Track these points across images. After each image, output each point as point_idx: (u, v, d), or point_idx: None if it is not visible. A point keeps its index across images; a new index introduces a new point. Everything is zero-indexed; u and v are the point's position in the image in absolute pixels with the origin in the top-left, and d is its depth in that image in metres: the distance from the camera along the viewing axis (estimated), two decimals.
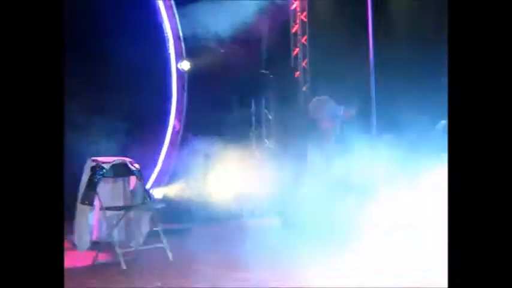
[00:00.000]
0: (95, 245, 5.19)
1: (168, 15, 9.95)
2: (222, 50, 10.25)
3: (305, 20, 12.04)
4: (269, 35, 11.05)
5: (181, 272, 4.94)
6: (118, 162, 5.40)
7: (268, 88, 11.00)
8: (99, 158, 5.30)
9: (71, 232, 5.30)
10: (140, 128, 8.96)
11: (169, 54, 10.03)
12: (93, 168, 5.21)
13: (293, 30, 12.03)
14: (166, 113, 9.92)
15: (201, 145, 8.73)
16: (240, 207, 9.06)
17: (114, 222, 5.28)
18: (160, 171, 9.67)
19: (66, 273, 2.96)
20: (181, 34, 10.03)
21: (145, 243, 5.44)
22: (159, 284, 4.51)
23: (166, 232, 5.56)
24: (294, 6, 12.02)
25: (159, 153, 9.77)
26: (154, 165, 9.64)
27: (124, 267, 4.81)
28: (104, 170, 5.22)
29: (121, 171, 5.47)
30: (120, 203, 5.50)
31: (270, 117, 11.20)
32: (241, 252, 6.09)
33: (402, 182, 7.58)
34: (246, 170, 8.79)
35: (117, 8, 8.66)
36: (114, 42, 8.34)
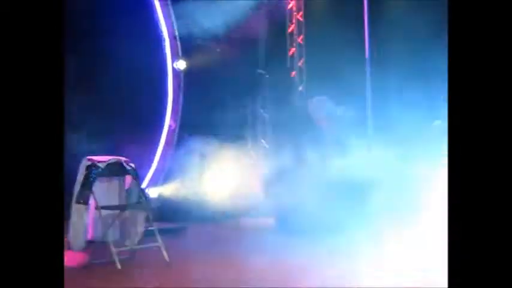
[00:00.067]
0: (90, 245, 5.18)
1: (164, 15, 9.94)
2: (218, 50, 10.24)
3: (301, 19, 12.04)
4: (265, 35, 11.04)
5: (177, 271, 4.93)
6: (113, 161, 5.38)
7: (264, 88, 11.00)
8: (95, 157, 5.28)
9: (66, 232, 5.28)
10: (136, 127, 8.94)
11: (165, 53, 10.01)
12: (88, 168, 5.19)
13: (289, 30, 12.03)
14: (162, 113, 9.90)
15: (196, 144, 8.72)
16: (236, 206, 9.05)
17: (110, 221, 5.27)
18: (156, 170, 9.65)
19: None
20: (177, 33, 10.02)
21: (140, 242, 5.43)
22: (157, 284, 4.50)
23: (162, 231, 5.55)
24: (290, 5, 12.02)
25: (154, 153, 9.75)
26: (150, 165, 9.62)
27: (119, 266, 4.80)
28: (99, 169, 5.21)
29: (116, 171, 5.46)
30: (116, 202, 5.48)
31: (265, 116, 11.19)
32: (237, 252, 6.09)
33: (399, 182, 7.60)
34: (242, 170, 8.78)
35: (113, 7, 8.64)
36: (109, 42, 8.32)
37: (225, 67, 10.10)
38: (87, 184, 5.12)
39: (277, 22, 11.60)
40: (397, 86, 9.72)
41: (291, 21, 12.02)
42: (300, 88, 11.97)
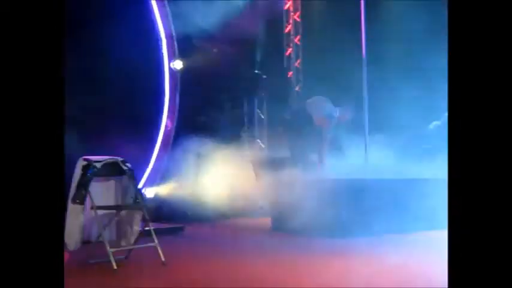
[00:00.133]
0: (86, 245, 5.17)
1: (161, 15, 9.94)
2: (214, 50, 10.25)
3: (298, 20, 12.06)
4: (262, 35, 11.05)
5: (173, 271, 4.93)
6: (110, 161, 5.37)
7: (261, 88, 11.01)
8: (91, 157, 5.28)
9: None
10: (132, 127, 8.93)
11: (162, 53, 10.01)
12: (84, 167, 5.18)
13: (286, 30, 12.04)
14: (159, 112, 9.90)
15: (193, 145, 8.72)
16: (232, 207, 9.06)
17: (106, 221, 5.26)
18: (153, 170, 9.65)
19: None
20: (174, 33, 10.02)
21: (136, 242, 5.43)
22: (153, 284, 4.50)
23: (158, 231, 5.54)
24: (287, 6, 12.04)
25: (151, 153, 9.75)
26: (147, 165, 9.62)
27: (115, 266, 4.79)
28: (96, 169, 5.19)
29: (113, 171, 5.45)
30: (112, 202, 5.47)
31: (262, 117, 11.20)
32: (234, 252, 6.10)
33: (396, 181, 7.61)
34: (238, 170, 8.78)
35: (110, 7, 8.64)
36: (106, 41, 8.32)
37: (222, 67, 10.10)
38: (84, 184, 5.11)
39: (274, 22, 11.61)
40: (394, 86, 9.74)
41: (287, 21, 12.04)
42: (297, 88, 11.98)
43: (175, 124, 9.96)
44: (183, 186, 8.81)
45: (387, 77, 9.84)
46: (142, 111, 9.47)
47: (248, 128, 11.05)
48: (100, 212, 5.16)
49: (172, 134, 9.92)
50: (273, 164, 8.24)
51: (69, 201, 5.03)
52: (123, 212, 5.44)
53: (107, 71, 8.49)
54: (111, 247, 4.94)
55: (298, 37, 12.09)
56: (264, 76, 10.91)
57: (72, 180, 5.15)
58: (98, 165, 5.22)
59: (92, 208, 5.10)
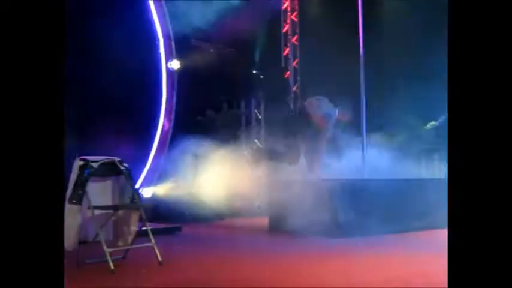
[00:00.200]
0: (83, 245, 5.16)
1: (158, 15, 9.93)
2: (212, 50, 10.24)
3: (296, 20, 12.06)
4: (259, 35, 11.04)
5: (170, 271, 4.92)
6: (107, 161, 5.36)
7: (258, 88, 11.01)
8: (88, 157, 5.26)
9: None
10: (130, 127, 8.93)
11: (159, 53, 10.00)
12: (81, 167, 5.17)
13: (283, 30, 12.04)
14: (156, 112, 9.89)
15: (190, 145, 8.71)
16: (229, 207, 9.05)
17: (103, 221, 5.25)
18: (150, 170, 9.65)
19: None
20: (171, 33, 10.01)
21: (134, 242, 5.42)
22: (150, 284, 4.49)
23: (155, 231, 5.53)
24: (284, 6, 12.04)
25: (148, 153, 9.74)
26: (144, 165, 9.62)
27: (112, 267, 4.78)
28: (93, 169, 5.18)
29: (110, 170, 5.43)
30: (109, 202, 5.46)
31: (260, 117, 11.20)
32: (231, 252, 6.09)
33: (394, 181, 7.62)
34: (235, 170, 8.77)
35: (108, 7, 8.63)
36: (104, 41, 8.31)
37: (219, 67, 10.10)
38: (80, 184, 5.10)
39: (272, 22, 11.62)
40: (392, 86, 9.75)
41: (285, 21, 12.04)
42: (294, 88, 11.99)
43: (172, 124, 9.95)
44: (181, 186, 8.80)
45: (385, 76, 9.84)
46: (140, 111, 9.47)
47: (245, 128, 11.05)
48: (97, 212, 5.14)
49: (170, 134, 9.92)
50: (271, 155, 8.23)
51: (66, 201, 5.02)
52: (120, 212, 5.43)
53: (104, 71, 8.48)
54: (108, 247, 4.93)
55: (296, 37, 12.09)
56: (262, 76, 10.90)
57: (69, 180, 5.14)
58: (95, 165, 5.21)
59: (88, 208, 5.09)
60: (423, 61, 9.56)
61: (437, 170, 9.23)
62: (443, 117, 9.45)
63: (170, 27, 9.95)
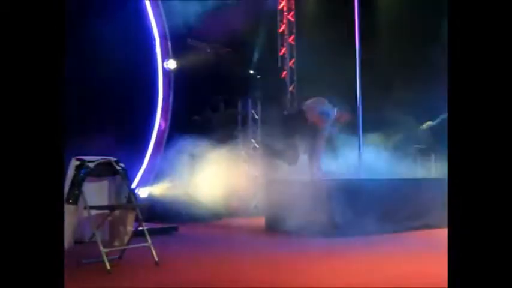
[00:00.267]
0: (79, 245, 5.14)
1: (154, 14, 9.92)
2: (208, 50, 10.23)
3: (292, 19, 12.06)
4: (256, 35, 11.04)
5: (166, 271, 4.91)
6: (103, 161, 5.34)
7: (254, 88, 11.00)
8: (84, 157, 5.25)
9: None
10: (126, 126, 8.91)
11: (155, 53, 9.99)
12: (77, 167, 5.15)
13: (280, 30, 12.04)
14: (152, 112, 9.88)
15: (186, 144, 8.70)
16: (226, 206, 9.05)
17: (99, 221, 5.23)
18: (146, 170, 9.63)
19: None
20: (167, 33, 10.00)
21: (130, 242, 5.40)
22: (147, 284, 4.48)
23: (152, 231, 5.52)
24: (281, 6, 12.04)
25: (144, 152, 9.73)
26: (140, 164, 9.60)
27: (108, 267, 4.77)
28: (89, 169, 5.17)
29: (106, 170, 5.42)
30: (105, 202, 5.45)
31: (256, 117, 11.19)
32: (228, 252, 6.08)
33: (391, 181, 7.62)
34: (232, 170, 8.77)
35: (104, 7, 8.61)
36: (100, 41, 8.29)
37: (216, 67, 10.09)
38: (77, 184, 5.08)
39: (268, 22, 11.61)
40: (388, 86, 9.76)
41: (281, 21, 12.04)
42: (291, 88, 11.98)
43: (169, 124, 9.94)
44: (177, 186, 8.78)
45: (381, 76, 9.85)
46: (136, 111, 9.45)
47: (242, 127, 11.04)
48: (93, 212, 5.13)
49: (166, 133, 9.90)
50: (270, 156, 8.23)
51: None
52: (116, 212, 5.42)
53: (99, 70, 8.45)
54: (104, 247, 4.92)
55: (292, 37, 12.09)
56: (258, 76, 10.89)
57: (65, 180, 5.12)
58: (91, 165, 5.19)
59: (85, 208, 5.07)
60: (420, 61, 9.58)
61: (434, 169, 9.24)
62: (440, 117, 9.47)
63: (166, 26, 9.94)
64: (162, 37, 9.99)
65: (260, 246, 6.55)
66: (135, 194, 5.98)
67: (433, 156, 9.40)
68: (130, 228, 5.46)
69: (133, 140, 9.17)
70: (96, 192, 5.40)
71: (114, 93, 8.67)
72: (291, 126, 8.12)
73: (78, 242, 5.13)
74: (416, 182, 8.07)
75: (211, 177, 8.67)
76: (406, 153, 9.05)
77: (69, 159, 5.21)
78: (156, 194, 9.00)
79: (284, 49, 12.04)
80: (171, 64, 9.99)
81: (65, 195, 5.03)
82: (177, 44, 10.02)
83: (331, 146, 8.18)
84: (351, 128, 8.22)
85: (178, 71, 10.03)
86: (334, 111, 7.99)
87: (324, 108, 7.94)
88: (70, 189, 5.04)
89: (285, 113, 10.50)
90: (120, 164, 5.48)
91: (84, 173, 5.12)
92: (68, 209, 4.99)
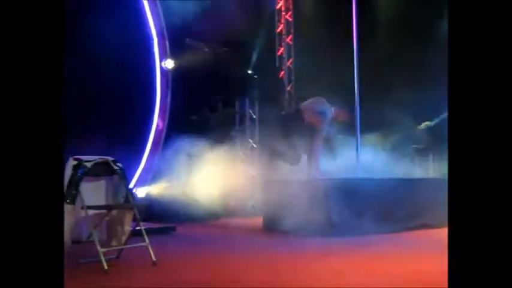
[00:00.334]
0: (76, 245, 5.13)
1: (152, 14, 9.91)
2: (206, 49, 10.22)
3: (290, 19, 12.05)
4: (254, 35, 11.03)
5: (164, 271, 4.90)
6: (100, 161, 5.33)
7: (252, 87, 10.99)
8: (81, 157, 5.24)
9: None
10: (123, 126, 8.90)
11: (153, 52, 9.98)
12: (75, 167, 5.14)
13: (278, 30, 12.03)
14: (150, 112, 9.87)
15: (184, 144, 8.69)
16: (224, 206, 9.04)
17: (96, 221, 5.22)
18: (144, 170, 9.62)
19: None
20: (165, 32, 9.99)
21: (127, 242, 5.39)
22: (144, 284, 4.47)
23: (149, 231, 5.51)
24: (279, 5, 12.03)
25: (142, 152, 9.72)
26: (138, 164, 9.59)
27: (106, 266, 4.75)
28: (86, 169, 5.15)
29: (103, 170, 5.41)
30: (103, 202, 5.44)
31: (254, 116, 11.19)
32: (225, 252, 6.07)
33: (388, 181, 7.62)
34: (230, 170, 8.76)
35: (101, 6, 8.59)
36: (97, 41, 8.27)
37: (213, 67, 10.09)
38: (74, 184, 5.07)
39: (266, 22, 11.61)
40: (386, 86, 9.76)
41: (279, 21, 12.03)
42: (289, 88, 11.98)
43: (166, 123, 9.93)
44: (175, 185, 8.78)
45: (379, 75, 9.85)
46: (134, 111, 9.44)
47: (240, 127, 11.04)
48: (91, 211, 5.12)
49: (164, 133, 9.90)
50: (272, 156, 8.22)
51: None
52: (114, 212, 5.41)
53: (97, 70, 8.44)
54: (102, 247, 4.90)
55: (290, 37, 12.09)
56: (256, 76, 10.89)
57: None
58: (89, 164, 5.18)
59: (82, 208, 5.06)
60: (418, 61, 9.59)
61: (432, 169, 9.25)
62: (438, 118, 9.48)
63: (164, 26, 9.93)
64: (160, 37, 9.98)
65: (258, 246, 6.54)
66: (132, 194, 5.97)
67: (430, 156, 9.41)
68: (127, 228, 5.45)
69: (131, 139, 9.16)
70: (93, 192, 5.39)
71: (111, 93, 8.66)
72: (289, 126, 8.10)
73: (75, 241, 5.12)
74: (414, 182, 8.07)
75: (209, 177, 8.66)
76: (404, 154, 9.06)
77: (67, 159, 5.20)
78: (154, 193, 9.00)
79: (282, 49, 12.03)
80: (169, 64, 9.98)
81: None
82: (175, 43, 10.02)
83: (329, 145, 8.17)
84: (348, 128, 8.22)
85: (176, 71, 10.03)
86: (331, 111, 7.97)
87: (322, 108, 7.93)
88: (67, 188, 5.03)
89: (283, 113, 10.48)
90: (118, 164, 5.47)
91: (81, 173, 5.11)
92: (66, 208, 4.97)
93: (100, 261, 4.79)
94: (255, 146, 11.00)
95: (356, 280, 4.42)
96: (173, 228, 7.64)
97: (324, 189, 6.97)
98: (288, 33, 12.08)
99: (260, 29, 11.21)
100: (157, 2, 9.90)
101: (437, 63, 6.80)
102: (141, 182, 9.42)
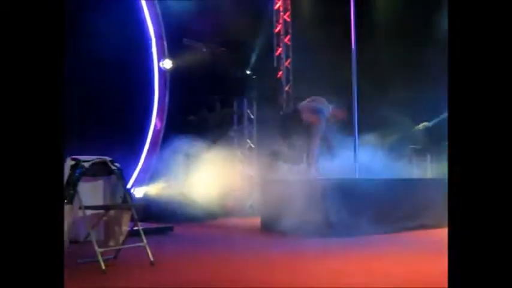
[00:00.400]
0: (74, 245, 5.12)
1: (150, 14, 9.90)
2: (204, 49, 10.22)
3: (288, 19, 12.05)
4: (252, 35, 11.03)
5: (162, 271, 4.89)
6: (98, 161, 5.32)
7: (250, 87, 10.99)
8: (79, 157, 5.22)
9: None
10: (121, 126, 8.88)
11: (151, 52, 9.97)
12: (72, 167, 5.13)
13: (276, 30, 12.03)
14: (148, 112, 9.86)
15: (182, 144, 8.68)
16: (222, 206, 9.03)
17: (94, 221, 5.21)
18: (142, 170, 9.61)
19: None
20: (163, 33, 9.98)
21: (125, 242, 5.38)
22: (142, 284, 4.46)
23: (147, 231, 5.50)
24: (277, 6, 12.02)
25: (140, 152, 9.71)
26: (136, 164, 9.58)
27: (103, 267, 4.74)
28: (84, 169, 5.14)
29: (101, 170, 5.40)
30: (100, 202, 5.43)
31: (252, 116, 11.19)
32: (223, 252, 6.06)
33: (386, 181, 7.62)
34: (228, 170, 8.76)
35: (100, 6, 8.58)
36: (96, 41, 8.26)
37: (212, 67, 10.09)
38: (72, 184, 5.06)
39: (264, 22, 11.61)
40: (385, 86, 9.76)
41: (277, 21, 12.03)
42: (287, 88, 11.98)
43: (164, 123, 9.92)
44: (172, 185, 8.77)
45: (377, 76, 9.85)
46: (132, 111, 9.43)
47: (238, 127, 11.04)
48: (88, 211, 5.11)
49: (162, 133, 9.89)
50: (275, 156, 8.22)
51: None
52: (111, 212, 5.40)
53: (95, 70, 8.43)
54: (99, 247, 4.90)
55: (288, 37, 12.08)
56: (254, 76, 10.89)
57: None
58: (86, 164, 5.17)
59: (80, 208, 5.05)
60: (416, 61, 9.59)
61: (430, 170, 9.25)
62: (436, 118, 9.49)
63: (162, 26, 9.92)
64: (158, 37, 9.97)
65: (257, 246, 6.53)
66: (130, 194, 5.96)
67: (428, 157, 9.41)
68: (125, 228, 5.44)
69: (128, 139, 9.15)
70: (91, 192, 5.38)
71: (109, 93, 8.65)
72: (287, 126, 8.10)
73: (73, 241, 5.10)
74: (412, 182, 8.07)
75: (207, 177, 8.66)
76: (401, 154, 9.06)
77: (65, 159, 5.20)
78: (152, 193, 8.99)
79: (280, 49, 12.03)
80: (167, 64, 9.98)
81: None
82: (173, 43, 10.01)
83: (328, 145, 8.17)
84: (346, 128, 8.22)
85: (174, 71, 10.02)
86: (329, 109, 7.97)
87: (319, 106, 7.93)
88: (65, 188, 5.02)
89: (281, 113, 10.48)
90: (116, 164, 5.45)
91: (79, 173, 5.10)
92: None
93: (98, 261, 4.78)
94: (253, 146, 11.00)
95: (355, 280, 4.41)
96: (171, 229, 7.63)
97: (322, 189, 6.96)
98: (286, 34, 12.07)
99: (258, 29, 11.20)
100: (156, 2, 9.90)
101: (435, 63, 6.80)
102: (139, 182, 9.41)
